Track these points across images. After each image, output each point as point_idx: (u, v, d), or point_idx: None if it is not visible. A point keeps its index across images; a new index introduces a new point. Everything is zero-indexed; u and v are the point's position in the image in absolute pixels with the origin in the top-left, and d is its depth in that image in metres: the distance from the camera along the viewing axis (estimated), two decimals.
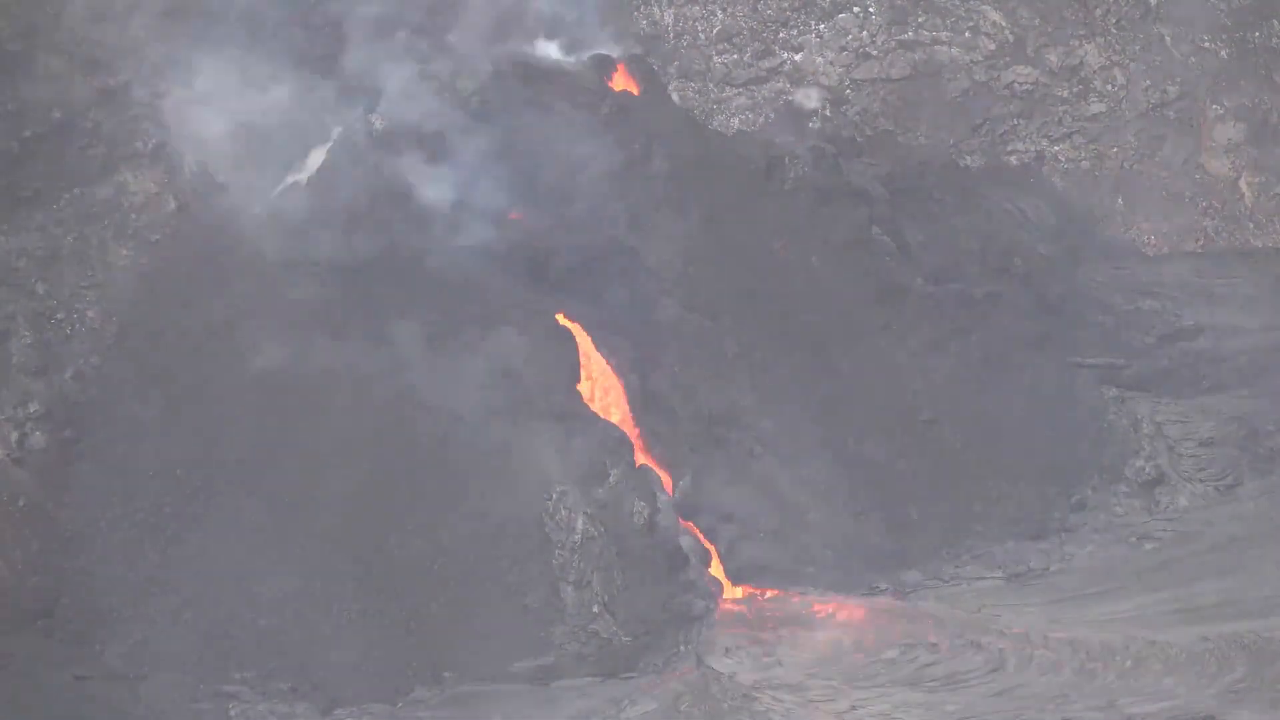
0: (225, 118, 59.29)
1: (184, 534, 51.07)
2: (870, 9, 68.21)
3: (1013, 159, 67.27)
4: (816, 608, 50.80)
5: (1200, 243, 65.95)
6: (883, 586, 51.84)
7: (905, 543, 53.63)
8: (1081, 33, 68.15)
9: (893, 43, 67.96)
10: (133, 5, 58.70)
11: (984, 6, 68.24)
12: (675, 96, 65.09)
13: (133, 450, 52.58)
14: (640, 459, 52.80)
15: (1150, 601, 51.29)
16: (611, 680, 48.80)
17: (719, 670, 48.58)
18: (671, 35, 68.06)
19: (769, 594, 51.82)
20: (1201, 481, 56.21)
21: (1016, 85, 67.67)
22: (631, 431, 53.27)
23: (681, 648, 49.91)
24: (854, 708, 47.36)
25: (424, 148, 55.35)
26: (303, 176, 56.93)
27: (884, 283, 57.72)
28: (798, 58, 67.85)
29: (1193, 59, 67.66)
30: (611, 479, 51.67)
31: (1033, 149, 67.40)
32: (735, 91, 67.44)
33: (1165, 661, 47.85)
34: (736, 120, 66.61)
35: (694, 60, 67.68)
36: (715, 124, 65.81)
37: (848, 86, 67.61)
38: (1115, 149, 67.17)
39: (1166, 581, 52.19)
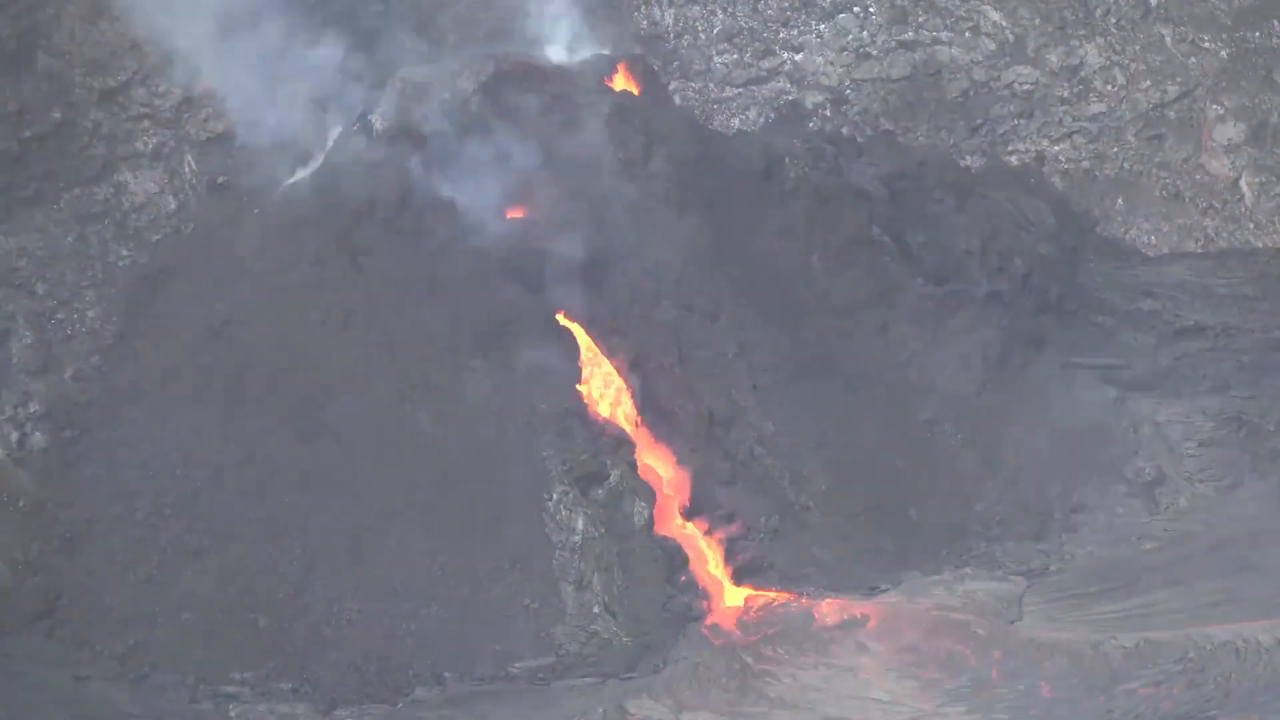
0: (225, 117, 59.38)
1: (184, 534, 51.08)
2: (870, 9, 68.24)
3: (1013, 159, 67.32)
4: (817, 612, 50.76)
5: (1200, 243, 65.97)
6: (883, 586, 51.78)
7: (905, 543, 53.59)
8: (1081, 33, 68.18)
9: (893, 43, 68.00)
10: (133, 5, 58.76)
11: (984, 6, 68.28)
12: (675, 96, 65.13)
13: (133, 450, 52.60)
14: (640, 459, 52.76)
15: (1150, 601, 51.25)
16: (611, 680, 48.76)
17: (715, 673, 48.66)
18: (671, 35, 68.08)
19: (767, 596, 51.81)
20: (1201, 481, 56.17)
21: (1016, 85, 67.71)
22: (632, 432, 53.23)
23: (681, 648, 49.86)
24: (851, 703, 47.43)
25: (424, 148, 55.34)
26: (303, 176, 56.94)
27: (884, 283, 57.70)
28: (798, 58, 67.88)
29: (1193, 59, 67.68)
30: (611, 479, 51.66)
31: (1033, 149, 67.43)
32: (735, 91, 67.47)
33: (1165, 661, 47.83)
34: (736, 120, 66.65)
35: (694, 60, 67.71)
36: (715, 124, 65.86)
37: (848, 86, 67.65)
38: (1115, 149, 67.19)
39: (1166, 581, 52.13)
